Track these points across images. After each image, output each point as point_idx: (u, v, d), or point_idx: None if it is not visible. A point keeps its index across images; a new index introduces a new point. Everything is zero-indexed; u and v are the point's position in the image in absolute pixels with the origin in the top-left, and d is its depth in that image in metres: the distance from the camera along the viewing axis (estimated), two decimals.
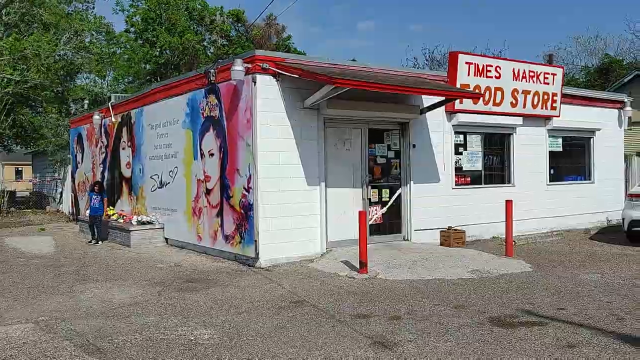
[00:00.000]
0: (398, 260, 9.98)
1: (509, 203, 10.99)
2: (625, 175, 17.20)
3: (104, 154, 17.07)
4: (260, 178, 10.18)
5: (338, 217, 11.25)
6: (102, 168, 17.24)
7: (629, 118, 17.13)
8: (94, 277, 9.76)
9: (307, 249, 10.72)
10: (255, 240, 10.18)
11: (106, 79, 27.57)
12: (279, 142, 10.44)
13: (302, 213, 10.66)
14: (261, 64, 10.16)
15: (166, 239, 13.48)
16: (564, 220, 15.06)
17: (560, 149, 15.30)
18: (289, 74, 10.10)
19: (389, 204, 12.03)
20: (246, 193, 10.41)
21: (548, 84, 14.23)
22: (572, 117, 15.13)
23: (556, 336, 5.90)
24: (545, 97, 14.26)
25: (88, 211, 14.79)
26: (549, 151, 14.96)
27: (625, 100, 16.71)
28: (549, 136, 14.92)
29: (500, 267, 9.69)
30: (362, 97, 10.96)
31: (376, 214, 11.82)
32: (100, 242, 14.17)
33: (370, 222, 11.61)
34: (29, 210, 26.83)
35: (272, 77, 10.35)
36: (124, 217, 14.56)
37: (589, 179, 16.00)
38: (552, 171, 15.04)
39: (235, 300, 7.82)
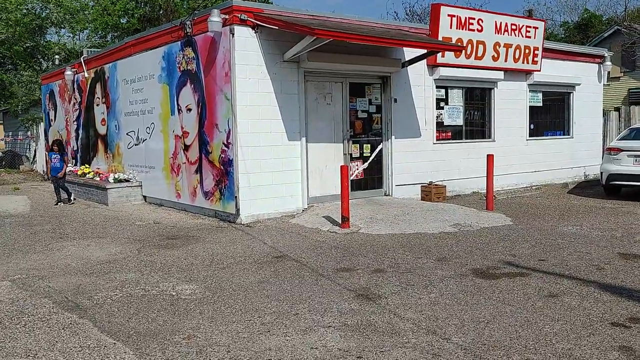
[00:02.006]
0: (380, 215, 9.96)
1: (490, 157, 10.98)
2: (603, 130, 17.29)
3: (77, 111, 16.63)
4: (239, 133, 9.98)
5: (319, 172, 11.14)
6: (76, 125, 16.82)
7: (608, 73, 17.14)
8: (71, 236, 9.57)
9: (289, 204, 10.63)
10: (236, 197, 10.05)
11: (79, 34, 26.73)
12: (259, 96, 10.20)
13: (283, 168, 10.53)
14: (239, 15, 9.83)
15: (144, 196, 13.28)
16: (543, 175, 15.16)
17: (541, 104, 15.28)
18: (269, 26, 9.81)
19: (370, 159, 11.94)
20: (225, 149, 10.22)
21: (530, 37, 14.09)
22: (552, 71, 15.08)
23: (538, 286, 5.93)
24: (527, 51, 14.14)
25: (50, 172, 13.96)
26: (529, 106, 14.94)
27: (605, 54, 16.67)
28: (530, 91, 14.87)
29: (481, 220, 9.72)
30: (343, 50, 10.72)
31: (357, 169, 11.73)
32: (72, 201, 13.68)
33: (351, 178, 11.53)
34: (2, 169, 26.25)
35: (250, 29, 10.04)
36: (100, 175, 14.28)
37: (568, 134, 16.06)
38: (532, 126, 15.05)
39: (216, 256, 7.74)
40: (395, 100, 12.07)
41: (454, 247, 7.89)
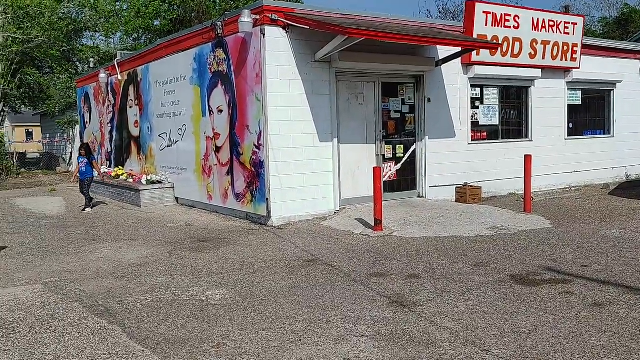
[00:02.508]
0: (413, 218, 9.73)
1: (527, 158, 10.64)
2: None
3: (111, 113, 16.79)
4: (271, 134, 9.87)
5: (351, 174, 10.97)
6: (109, 127, 16.99)
7: None
8: (103, 238, 9.60)
9: (320, 206, 10.47)
10: (267, 199, 9.94)
11: (114, 36, 27.07)
12: (290, 97, 10.08)
13: (315, 170, 10.39)
14: (270, 15, 9.73)
15: (176, 198, 13.30)
16: (582, 175, 14.68)
17: (580, 102, 14.80)
18: (300, 25, 9.67)
19: (403, 160, 11.71)
20: (257, 150, 10.12)
21: (568, 34, 13.65)
22: (592, 68, 14.58)
23: (582, 294, 5.65)
24: (565, 47, 13.70)
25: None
26: (568, 104, 14.48)
27: None
28: (568, 89, 14.41)
29: (519, 223, 9.41)
30: (375, 50, 10.52)
31: (390, 170, 11.52)
32: (89, 209, 12.85)
33: (384, 179, 11.32)
34: (40, 171, 26.78)
35: (281, 29, 9.92)
36: (133, 177, 14.37)
37: (608, 133, 15.52)
38: (570, 125, 14.59)
39: (247, 259, 7.63)
40: (429, 100, 11.81)
41: (491, 251, 7.63)
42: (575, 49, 13.87)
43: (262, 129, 9.91)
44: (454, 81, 12.25)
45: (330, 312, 5.36)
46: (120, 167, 15.83)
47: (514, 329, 4.77)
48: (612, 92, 15.44)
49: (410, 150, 11.78)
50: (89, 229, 10.52)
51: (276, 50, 9.88)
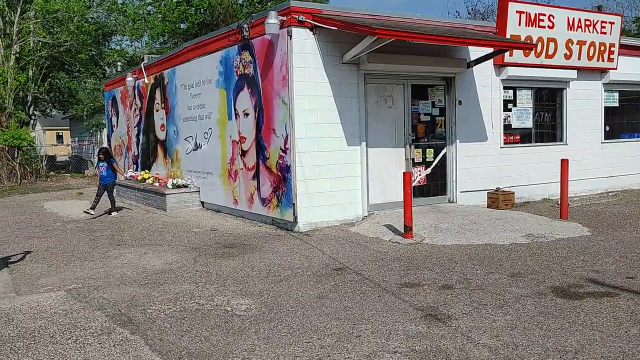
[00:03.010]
0: (444, 224, 9.40)
1: (564, 162, 10.23)
2: None
3: (138, 117, 16.78)
4: (297, 138, 9.65)
5: (380, 178, 10.69)
6: (136, 131, 16.98)
7: None
8: (128, 242, 9.48)
9: (348, 212, 10.22)
10: (294, 204, 9.72)
11: (141, 40, 27.22)
12: (317, 99, 9.85)
13: (342, 174, 10.13)
14: (297, 16, 9.52)
15: (202, 202, 13.17)
16: (619, 180, 14.16)
17: (617, 104, 14.30)
18: (327, 27, 9.44)
19: (434, 164, 11.38)
20: (283, 154, 9.92)
21: (605, 33, 13.18)
22: (630, 69, 14.06)
23: (629, 309, 5.29)
24: (602, 47, 13.23)
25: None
26: (604, 107, 13.99)
27: None
28: (605, 90, 13.92)
29: (555, 230, 9.02)
30: (404, 51, 10.24)
31: (420, 175, 11.20)
32: (115, 212, 12.80)
33: (413, 184, 11.00)
34: (68, 174, 27.04)
35: (308, 30, 9.71)
36: (160, 181, 14.29)
37: None
38: (607, 128, 14.09)
39: (273, 267, 7.41)
40: (460, 102, 11.47)
41: (528, 260, 7.28)
42: (612, 49, 13.39)
43: (289, 133, 9.70)
44: (486, 83, 11.89)
45: (360, 325, 5.10)
46: (147, 171, 15.79)
47: (558, 347, 4.45)
48: None
49: (441, 154, 11.45)
50: (115, 233, 10.43)
51: (303, 52, 9.67)
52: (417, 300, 5.75)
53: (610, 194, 13.22)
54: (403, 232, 8.78)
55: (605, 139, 13.99)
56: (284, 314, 5.49)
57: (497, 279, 6.43)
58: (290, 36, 9.54)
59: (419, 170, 11.19)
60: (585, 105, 13.48)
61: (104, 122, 21.97)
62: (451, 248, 8.12)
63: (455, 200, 11.53)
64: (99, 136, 24.79)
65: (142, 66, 16.09)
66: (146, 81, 15.81)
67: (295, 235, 9.45)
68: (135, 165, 17.20)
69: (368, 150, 10.45)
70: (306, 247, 8.50)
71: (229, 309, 5.70)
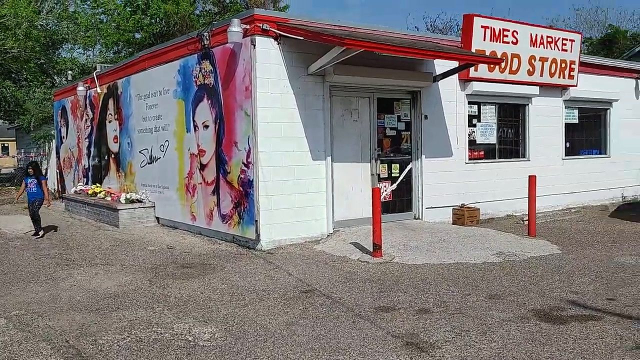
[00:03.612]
0: (413, 242, 9.10)
1: (531, 178, 10.12)
2: None
3: (89, 128, 15.99)
4: (260, 152, 9.21)
5: (345, 194, 10.33)
6: (87, 143, 16.18)
7: None
8: (78, 262, 8.81)
9: (313, 229, 9.81)
10: (256, 221, 9.25)
11: (94, 49, 26.21)
12: (281, 112, 9.45)
13: (307, 190, 9.73)
14: (261, 25, 9.12)
15: (157, 218, 12.53)
16: (579, 196, 14.22)
17: (576, 121, 14.40)
18: (293, 36, 9.07)
19: (399, 179, 11.11)
20: (245, 168, 9.45)
21: (566, 50, 13.26)
22: (589, 87, 14.19)
23: (617, 334, 5.04)
24: (563, 65, 13.30)
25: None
26: (565, 123, 14.06)
27: None
28: (565, 107, 14.00)
29: (526, 248, 8.83)
30: (370, 63, 9.98)
31: (385, 190, 10.90)
32: (40, 236, 11.28)
33: None
34: (14, 187, 25.70)
35: (273, 40, 9.32)
36: (112, 195, 13.56)
37: (605, 153, 15.13)
38: (567, 144, 14.16)
39: (237, 289, 6.92)
40: (426, 117, 11.27)
41: (503, 281, 7.01)
42: (573, 66, 13.48)
43: (252, 146, 9.25)
44: (451, 98, 11.73)
45: (337, 356, 4.68)
46: (98, 185, 15.01)
47: None
48: (608, 110, 15.09)
49: (406, 170, 11.19)
50: (63, 252, 9.72)
51: (267, 62, 9.27)
52: (395, 327, 5.37)
53: (572, 210, 13.24)
54: (372, 250, 8.42)
55: (565, 155, 14.05)
56: (252, 344, 5.02)
57: (475, 302, 6.12)
58: (254, 45, 9.13)
59: (385, 186, 10.89)
60: (546, 121, 13.50)
61: (52, 133, 20.94)
62: (423, 268, 7.79)
63: (421, 217, 11.27)
64: (47, 148, 23.66)
65: (95, 75, 15.37)
66: (98, 91, 15.08)
67: (258, 254, 8.97)
68: (85, 179, 16.37)
69: (333, 165, 10.10)
70: (270, 267, 8.04)
71: (190, 339, 5.19)
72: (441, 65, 11.20)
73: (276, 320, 5.68)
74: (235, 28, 9.06)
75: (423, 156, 11.23)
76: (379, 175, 10.76)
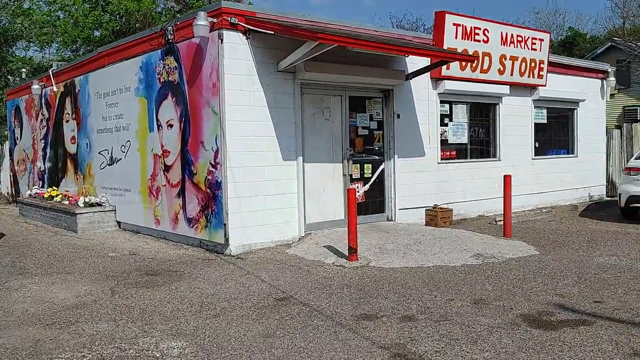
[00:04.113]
0: (389, 244, 8.79)
1: (507, 178, 9.95)
2: (606, 149, 16.42)
3: (45, 128, 15.23)
4: (229, 152, 8.77)
5: (317, 196, 9.97)
6: (43, 144, 15.40)
7: (611, 89, 16.39)
8: (32, 271, 8.20)
9: (284, 232, 9.42)
10: (225, 224, 8.80)
11: (48, 48, 25.17)
12: (251, 110, 9.03)
13: (278, 191, 9.33)
14: (229, 19, 8.68)
15: (118, 222, 11.92)
16: (548, 196, 14.19)
17: (545, 121, 14.38)
18: (263, 31, 8.68)
19: (372, 180, 10.81)
20: (213, 169, 8.99)
21: (535, 50, 13.20)
22: (557, 86, 14.19)
23: (612, 339, 4.81)
24: (533, 64, 13.24)
25: None
26: (534, 123, 14.02)
27: (609, 70, 15.90)
28: (535, 107, 13.96)
29: (503, 250, 8.62)
30: (342, 60, 9.65)
31: (358, 192, 10.58)
32: None
33: None
34: None
35: (241, 35, 8.89)
36: (69, 199, 12.88)
37: (572, 153, 15.16)
38: (537, 144, 14.11)
39: (206, 297, 6.48)
40: (399, 116, 11.00)
41: (485, 284, 6.75)
42: (542, 65, 13.44)
43: (220, 146, 8.80)
44: (423, 96, 11.50)
45: None
46: (55, 188, 14.27)
47: None
48: (575, 111, 15.12)
49: (379, 170, 10.90)
50: (16, 259, 9.07)
51: (235, 58, 8.84)
52: (379, 336, 5.02)
53: (543, 210, 13.17)
54: (347, 254, 8.07)
55: (535, 155, 14.00)
56: (227, 359, 4.61)
57: (460, 307, 5.83)
58: (222, 40, 8.69)
59: (357, 187, 10.56)
60: (516, 121, 13.42)
61: (6, 134, 19.97)
62: (401, 271, 7.48)
63: (393, 218, 10.99)
64: (0, 150, 22.59)
65: (51, 73, 14.62)
66: (55, 89, 14.36)
67: (227, 259, 8.53)
68: (41, 182, 15.58)
69: (305, 166, 9.73)
70: (241, 273, 7.61)
71: (158, 355, 4.75)
72: (413, 63, 10.96)
73: (251, 331, 5.27)
74: (202, 22, 8.61)
75: (396, 156, 10.97)
76: (351, 175, 10.43)
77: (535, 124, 14.06)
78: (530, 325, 5.22)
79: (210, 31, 8.73)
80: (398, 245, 8.73)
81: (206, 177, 9.13)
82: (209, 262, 8.39)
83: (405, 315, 5.62)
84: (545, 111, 14.33)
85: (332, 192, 10.17)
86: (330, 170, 10.18)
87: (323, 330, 5.23)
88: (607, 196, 16.07)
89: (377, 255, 8.20)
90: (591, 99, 15.44)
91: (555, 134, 14.88)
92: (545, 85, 13.66)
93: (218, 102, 8.78)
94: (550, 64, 13.80)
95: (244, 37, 8.92)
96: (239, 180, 8.88)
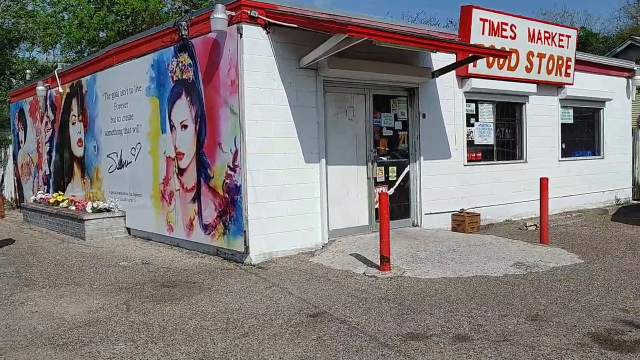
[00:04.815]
0: (421, 252, 8.20)
1: (543, 181, 9.37)
2: (632, 150, 15.80)
3: (50, 131, 14.68)
4: (249, 154, 8.20)
5: (340, 200, 9.39)
6: (48, 147, 14.85)
7: (637, 89, 15.79)
8: (39, 282, 7.62)
9: (306, 239, 8.83)
10: (245, 231, 8.21)
11: (52, 49, 24.63)
12: (271, 109, 8.46)
13: (300, 196, 8.76)
14: (248, 12, 8.12)
15: (128, 229, 11.35)
16: (574, 200, 13.57)
17: (572, 121, 13.78)
18: (285, 24, 8.12)
19: (397, 183, 10.23)
20: (232, 173, 8.41)
21: (562, 46, 12.61)
22: (583, 85, 13.59)
23: None
24: (560, 62, 12.65)
25: None
26: (560, 123, 13.43)
27: (635, 68, 15.30)
28: (561, 106, 13.36)
29: (544, 258, 8.02)
30: (364, 56, 9.09)
31: None
32: None
33: (376, 206, 9.82)
34: None
35: (261, 29, 8.33)
36: (76, 204, 12.31)
37: (599, 155, 14.55)
38: (563, 146, 13.51)
39: (231, 313, 5.89)
40: (424, 116, 10.42)
41: (537, 297, 6.15)
42: (569, 63, 12.86)
43: (239, 148, 8.22)
44: (449, 95, 10.92)
45: None
46: (61, 193, 13.70)
47: None
48: (601, 110, 14.52)
49: (404, 173, 10.32)
50: (21, 269, 8.50)
51: (255, 54, 8.27)
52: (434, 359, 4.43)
53: (573, 214, 12.55)
54: (379, 263, 7.47)
55: (562, 157, 13.39)
56: None
57: (517, 325, 5.23)
58: (241, 34, 8.12)
59: (382, 191, 9.97)
60: (543, 121, 12.83)
61: (9, 137, 19.43)
62: (440, 283, 6.89)
63: (419, 224, 10.40)
64: (3, 154, 22.07)
65: (56, 73, 14.07)
66: (60, 90, 13.81)
67: (248, 269, 7.94)
68: (46, 186, 15.03)
69: (328, 169, 9.14)
70: (266, 285, 7.03)
71: None
72: (438, 60, 10.39)
73: (288, 354, 4.68)
74: (220, 15, 8.04)
75: (422, 158, 10.38)
76: (375, 179, 9.85)
77: (561, 124, 13.46)
78: (602, 347, 4.62)
79: (228, 25, 8.16)
80: (431, 254, 8.13)
81: (224, 180, 8.55)
82: (228, 272, 7.81)
83: (458, 334, 5.03)
84: (571, 111, 13.73)
85: (356, 196, 9.59)
86: (354, 173, 9.61)
87: (369, 353, 4.64)
88: (633, 199, 15.44)
89: (410, 265, 7.60)
90: (617, 98, 14.84)
91: (580, 134, 14.28)
92: (572, 84, 13.07)
93: (237, 101, 8.20)
94: (576, 61, 13.21)
95: (264, 31, 8.35)
96: (259, 184, 8.30)
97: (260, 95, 8.32)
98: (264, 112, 8.36)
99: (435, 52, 9.68)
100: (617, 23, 38.18)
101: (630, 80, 15.30)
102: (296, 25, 7.98)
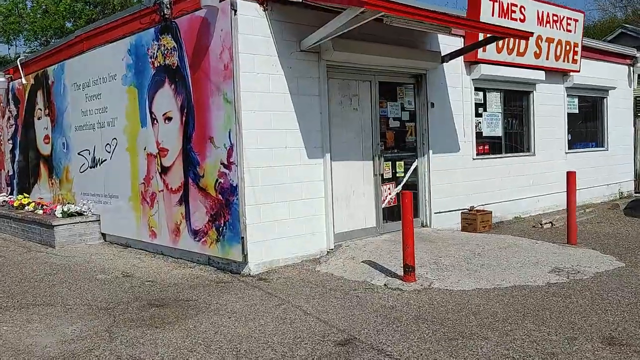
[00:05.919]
0: (444, 258, 7.26)
1: (571, 175, 8.49)
2: (634, 141, 15.15)
3: (13, 127, 13.34)
4: (246, 149, 7.14)
5: (346, 200, 8.41)
6: (11, 145, 13.52)
7: (639, 76, 15.15)
8: (2, 303, 6.45)
9: (310, 245, 7.83)
10: (242, 237, 7.15)
11: (16, 39, 23.01)
12: (270, 97, 7.42)
13: (303, 196, 7.74)
14: None
15: (103, 234, 10.18)
16: (582, 194, 12.74)
17: (577, 111, 13.03)
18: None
19: (404, 180, 9.28)
20: (226, 171, 7.34)
21: (570, 31, 11.84)
22: (589, 73, 12.85)
23: None
24: (567, 47, 11.87)
25: None
26: (567, 113, 12.67)
27: (637, 55, 14.64)
28: (567, 95, 12.58)
29: (581, 262, 7.15)
30: (370, 38, 8.15)
31: (390, 194, 9.04)
32: None
33: (383, 205, 8.88)
34: None
35: (258, 5, 7.28)
36: (44, 207, 11.07)
37: (603, 146, 13.86)
38: (569, 137, 12.75)
39: (240, 342, 4.84)
40: (433, 105, 9.50)
41: (599, 312, 5.25)
42: (576, 49, 12.09)
43: (235, 142, 7.16)
44: (456, 83, 10.03)
45: None
46: (26, 195, 12.41)
47: None
48: (605, 100, 13.83)
49: (412, 168, 9.38)
50: None
51: (251, 34, 7.22)
52: None
53: (587, 210, 11.78)
54: (402, 273, 6.50)
55: (568, 148, 12.63)
56: None
57: (595, 352, 4.31)
58: (235, 10, 7.05)
59: (389, 189, 9.03)
60: (550, 111, 12.04)
61: None
62: (477, 296, 5.95)
63: (429, 224, 9.49)
64: None
65: (19, 63, 12.73)
66: (24, 82, 12.49)
67: (248, 281, 6.90)
68: (9, 188, 13.68)
69: (332, 165, 8.14)
70: (274, 302, 5.99)
71: None
72: (444, 45, 9.49)
73: None
74: None
75: (430, 152, 9.46)
76: (382, 175, 8.88)
77: (567, 114, 12.70)
78: None
79: (220, 1, 7.09)
80: (456, 259, 7.19)
81: (217, 180, 7.47)
82: (226, 286, 6.75)
83: None
84: (576, 100, 12.99)
85: (363, 195, 8.62)
86: (360, 169, 8.62)
87: None
88: (635, 192, 14.80)
89: (436, 274, 6.65)
90: (620, 86, 14.17)
91: (584, 125, 13.55)
92: (579, 71, 12.30)
93: (232, 88, 7.13)
94: (583, 48, 12.44)
95: (261, 8, 7.30)
96: (258, 184, 7.25)
97: (257, 81, 7.27)
98: (262, 101, 7.31)
99: (450, 32, 8.76)
100: (605, 13, 37.89)
101: (632, 67, 14.65)
102: (301, 0, 6.94)
